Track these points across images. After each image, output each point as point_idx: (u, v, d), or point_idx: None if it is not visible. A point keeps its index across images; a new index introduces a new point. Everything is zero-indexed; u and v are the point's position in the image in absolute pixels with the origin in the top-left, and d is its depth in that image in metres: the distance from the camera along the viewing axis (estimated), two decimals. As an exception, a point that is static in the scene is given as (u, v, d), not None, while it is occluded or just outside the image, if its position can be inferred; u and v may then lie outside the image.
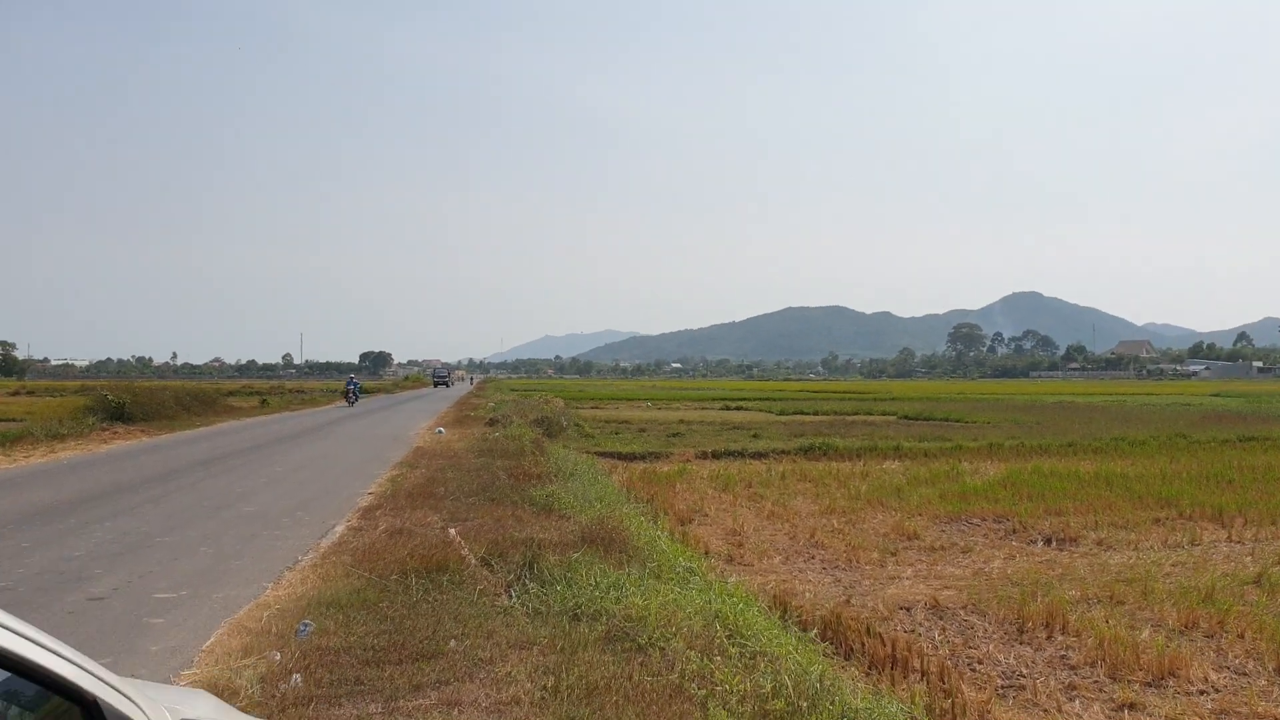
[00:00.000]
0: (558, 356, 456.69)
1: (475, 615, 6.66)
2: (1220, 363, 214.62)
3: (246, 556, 9.38)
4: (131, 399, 31.91)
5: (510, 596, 7.36)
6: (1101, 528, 15.31)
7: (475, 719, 4.97)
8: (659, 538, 10.47)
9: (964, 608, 10.55)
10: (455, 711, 5.04)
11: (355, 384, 59.85)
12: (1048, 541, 14.54)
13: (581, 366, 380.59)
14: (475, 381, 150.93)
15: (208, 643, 6.46)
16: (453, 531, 9.44)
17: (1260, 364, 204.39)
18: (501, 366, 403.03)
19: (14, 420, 30.42)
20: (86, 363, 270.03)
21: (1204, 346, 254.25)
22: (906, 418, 48.31)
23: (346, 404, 54.89)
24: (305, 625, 6.45)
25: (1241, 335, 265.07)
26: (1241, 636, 9.24)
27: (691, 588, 7.60)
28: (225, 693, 5.29)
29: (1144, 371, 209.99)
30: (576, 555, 8.22)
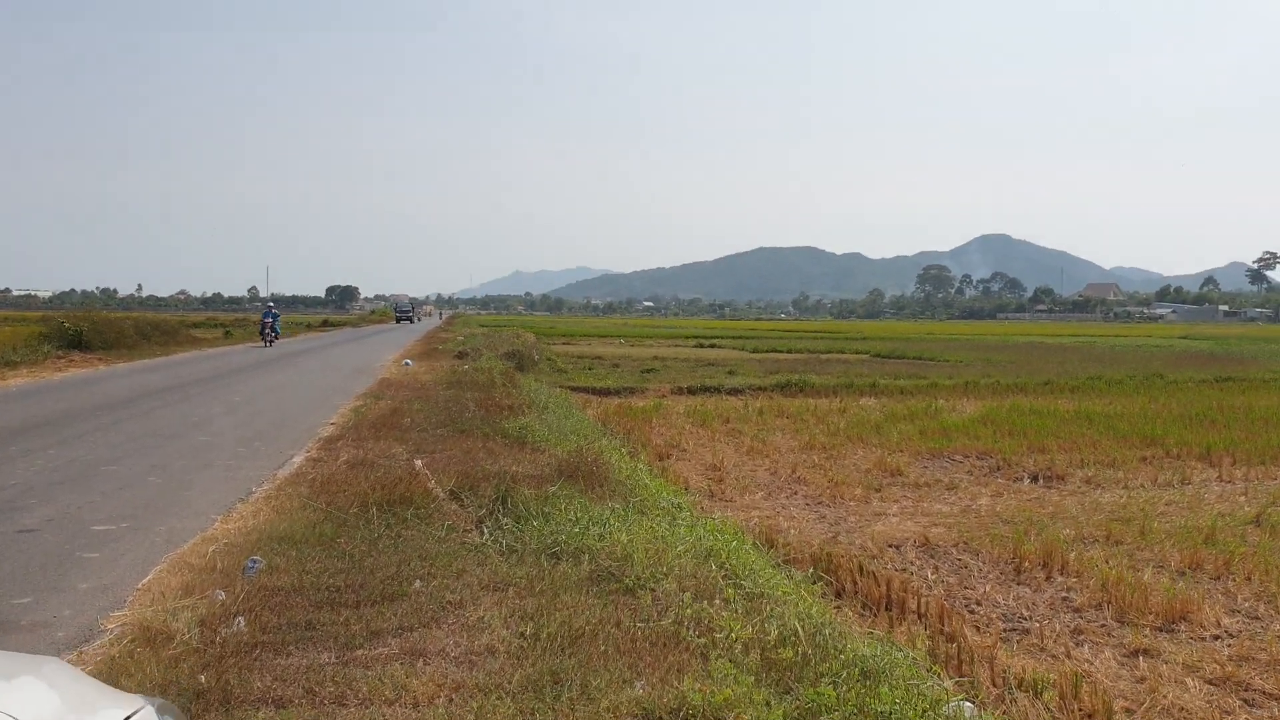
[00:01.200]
0: (528, 293, 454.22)
1: (443, 553, 6.03)
2: (1187, 306, 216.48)
3: (197, 487, 8.69)
4: (90, 327, 30.92)
5: (482, 533, 6.75)
6: (1088, 466, 14.96)
7: (443, 670, 4.37)
8: (640, 471, 9.89)
9: (956, 546, 10.11)
10: (420, 663, 4.44)
11: (274, 315, 42.34)
12: (1034, 479, 14.17)
13: (552, 303, 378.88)
14: (444, 317, 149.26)
15: (145, 580, 5.81)
16: (418, 463, 8.79)
17: (1226, 308, 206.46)
18: (471, 302, 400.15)
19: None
20: (49, 294, 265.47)
21: (1171, 290, 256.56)
22: (879, 356, 48.08)
23: (263, 344, 40.36)
24: (254, 562, 5.82)
25: (1208, 279, 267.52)
26: (1249, 579, 8.83)
27: (679, 524, 7.01)
28: (160, 637, 4.66)
29: (1111, 314, 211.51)
30: (554, 489, 7.61)
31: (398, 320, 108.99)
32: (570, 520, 6.77)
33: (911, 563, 9.49)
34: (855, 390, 27.29)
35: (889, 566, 9.24)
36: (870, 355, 48.64)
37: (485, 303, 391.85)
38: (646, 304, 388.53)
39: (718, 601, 5.01)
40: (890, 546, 10.16)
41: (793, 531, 10.77)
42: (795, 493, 13.32)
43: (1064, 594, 8.49)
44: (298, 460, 10.51)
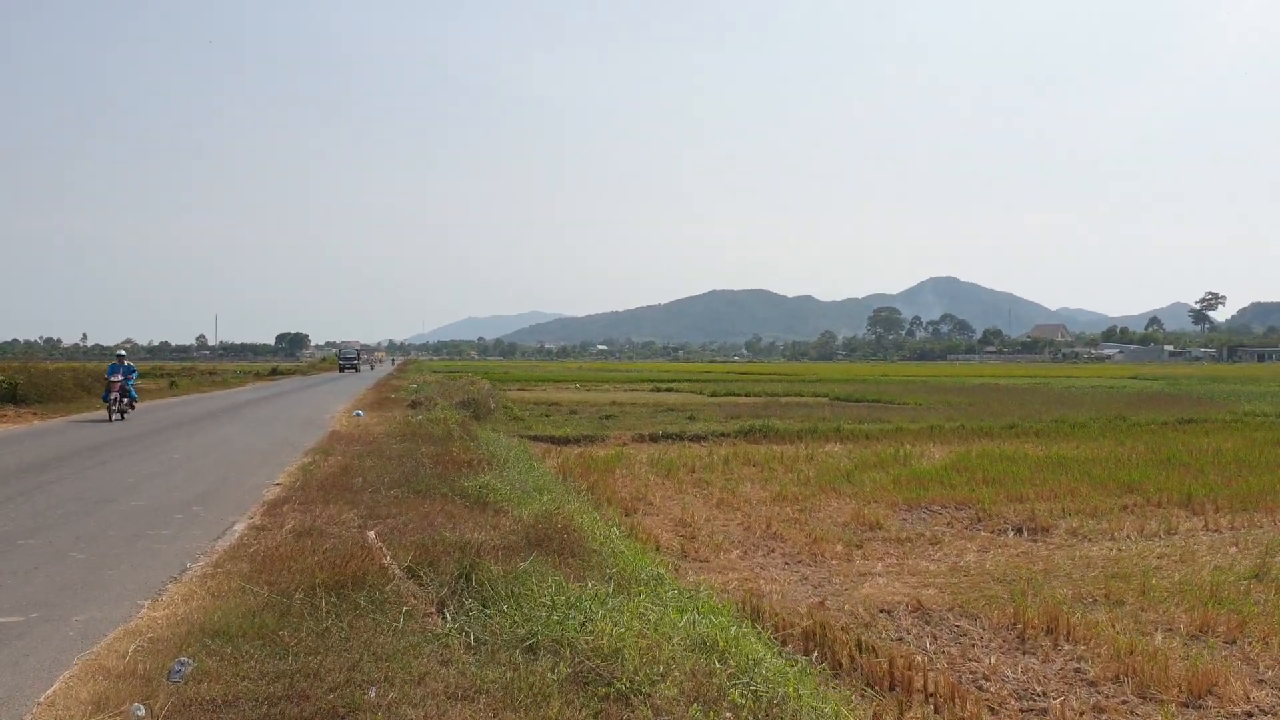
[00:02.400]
0: (481, 338, 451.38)
1: (401, 649, 5.22)
2: (1133, 346, 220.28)
3: (124, 564, 7.79)
4: (25, 379, 29.68)
5: (445, 619, 5.96)
6: (1070, 515, 14.52)
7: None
8: (614, 537, 9.16)
9: (951, 610, 9.50)
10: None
11: (127, 372, 26.49)
12: (1018, 531, 13.67)
13: (506, 348, 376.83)
14: (396, 363, 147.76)
15: (49, 691, 4.94)
16: (372, 534, 7.98)
17: (1170, 348, 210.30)
18: (423, 348, 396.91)
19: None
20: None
21: (1117, 330, 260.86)
22: (838, 399, 47.82)
23: (107, 417, 25.42)
24: (181, 664, 5.00)
25: (1153, 320, 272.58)
26: (1266, 643, 8.28)
27: (667, 604, 6.28)
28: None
29: (1059, 355, 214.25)
30: (525, 565, 6.83)
31: (341, 369, 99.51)
32: (545, 604, 6.01)
33: (907, 630, 8.86)
34: (820, 435, 26.87)
35: (884, 636, 8.59)
36: (829, 398, 48.36)
37: (438, 348, 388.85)
38: (601, 347, 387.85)
39: (727, 715, 4.29)
40: (882, 612, 9.54)
41: (776, 596, 10.11)
42: (772, 550, 12.71)
43: (1075, 664, 7.88)
44: (239, 528, 9.64)
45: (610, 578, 7.35)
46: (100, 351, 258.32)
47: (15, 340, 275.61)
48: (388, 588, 6.39)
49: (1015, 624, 8.84)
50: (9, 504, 10.76)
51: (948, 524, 14.31)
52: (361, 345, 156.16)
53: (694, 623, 5.78)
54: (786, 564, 11.96)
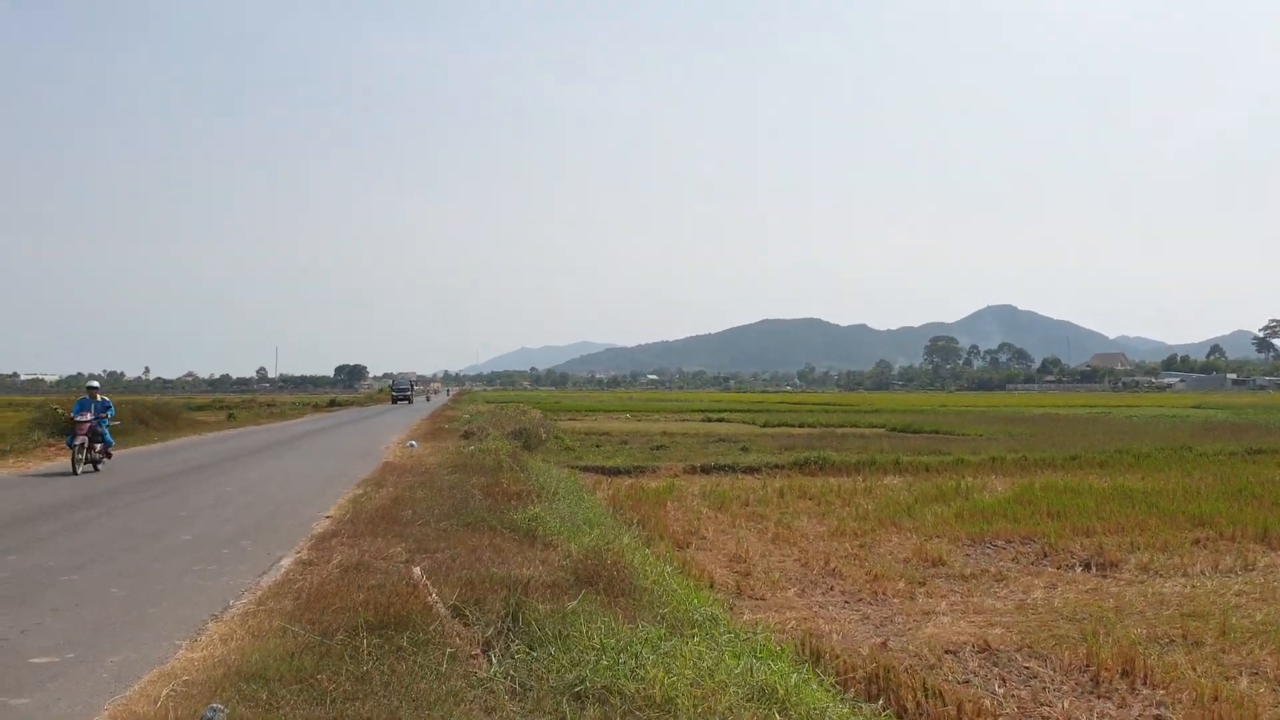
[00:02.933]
0: (533, 368, 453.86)
1: (443, 695, 4.97)
2: (1195, 375, 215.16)
3: (166, 600, 7.65)
4: (84, 413, 29.93)
5: (490, 661, 5.72)
6: (1140, 550, 13.95)
7: None
8: (666, 574, 8.86)
9: (1019, 650, 9.06)
10: None
11: (100, 409, 20.66)
12: (1086, 567, 13.13)
13: (557, 378, 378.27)
14: (452, 393, 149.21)
15: (78, 738, 4.77)
16: (417, 571, 7.78)
17: (1234, 376, 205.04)
18: (477, 379, 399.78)
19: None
20: (56, 377, 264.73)
21: (1177, 359, 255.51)
22: (895, 430, 47.04)
23: (71, 465, 19.24)
24: (213, 711, 4.80)
25: (1215, 348, 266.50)
26: (1363, 688, 7.75)
27: (722, 647, 5.97)
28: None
29: (1119, 384, 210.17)
30: (573, 604, 6.57)
31: (394, 400, 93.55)
32: (594, 647, 5.74)
33: (974, 672, 8.44)
34: (878, 468, 26.34)
35: (950, 678, 8.19)
36: (886, 429, 47.59)
37: (492, 379, 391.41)
38: (651, 377, 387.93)
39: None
40: (947, 653, 9.13)
41: (836, 637, 9.74)
42: (831, 588, 12.31)
43: (1155, 710, 7.43)
44: (286, 563, 9.50)
45: (662, 618, 7.06)
46: (162, 385, 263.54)
47: (80, 374, 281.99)
48: (432, 628, 6.16)
49: (1088, 665, 8.39)
50: (58, 538, 10.73)
51: (1013, 559, 13.83)
52: (418, 376, 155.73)
53: (751, 668, 5.47)
54: (846, 602, 11.57)
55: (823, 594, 11.98)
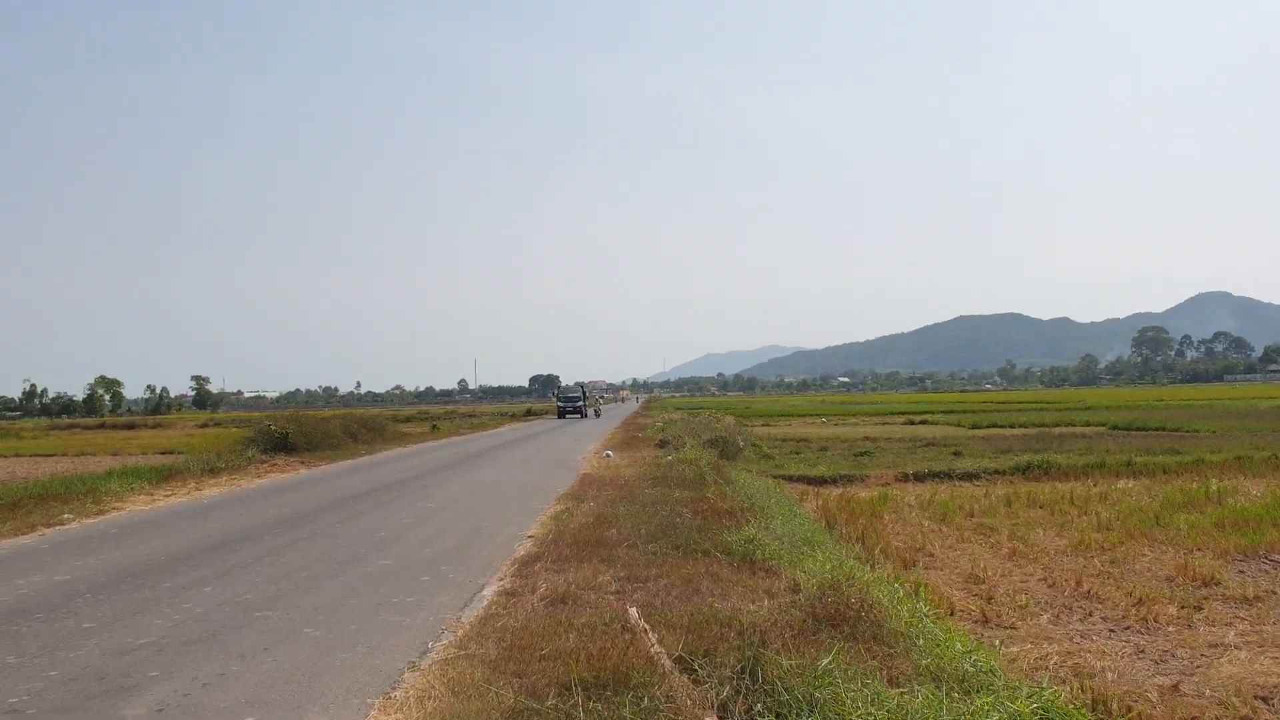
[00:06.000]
0: (720, 374, 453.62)
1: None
2: None
3: (360, 644, 6.92)
4: (296, 429, 30.91)
5: (731, 738, 4.65)
6: None
7: None
8: (921, 612, 7.58)
9: (1353, 696, 7.34)
10: None
11: None
12: (1401, 585, 11.02)
13: (745, 383, 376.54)
14: (641, 401, 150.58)
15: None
16: (634, 611, 6.78)
17: None
18: (665, 386, 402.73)
19: (176, 453, 29.87)
20: (276, 394, 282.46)
21: None
22: (1115, 428, 43.69)
23: None
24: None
25: None
26: None
27: (1009, 711, 4.70)
28: None
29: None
30: (825, 661, 5.41)
31: (561, 414, 72.02)
32: (858, 714, 4.59)
33: (1305, 729, 6.83)
34: (1108, 471, 24.14)
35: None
36: (1106, 427, 44.26)
37: (679, 385, 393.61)
38: (842, 379, 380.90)
39: None
40: (1259, 699, 7.52)
41: (1111, 675, 8.24)
42: (1089, 613, 10.72)
43: None
44: (488, 593, 8.73)
45: (924, 670, 5.84)
46: (371, 398, 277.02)
47: (298, 390, 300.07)
48: (657, 690, 5.13)
49: None
50: (257, 565, 10.35)
51: (1301, 577, 11.84)
52: (607, 385, 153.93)
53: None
54: (1112, 631, 10.00)
55: (1080, 621, 10.44)
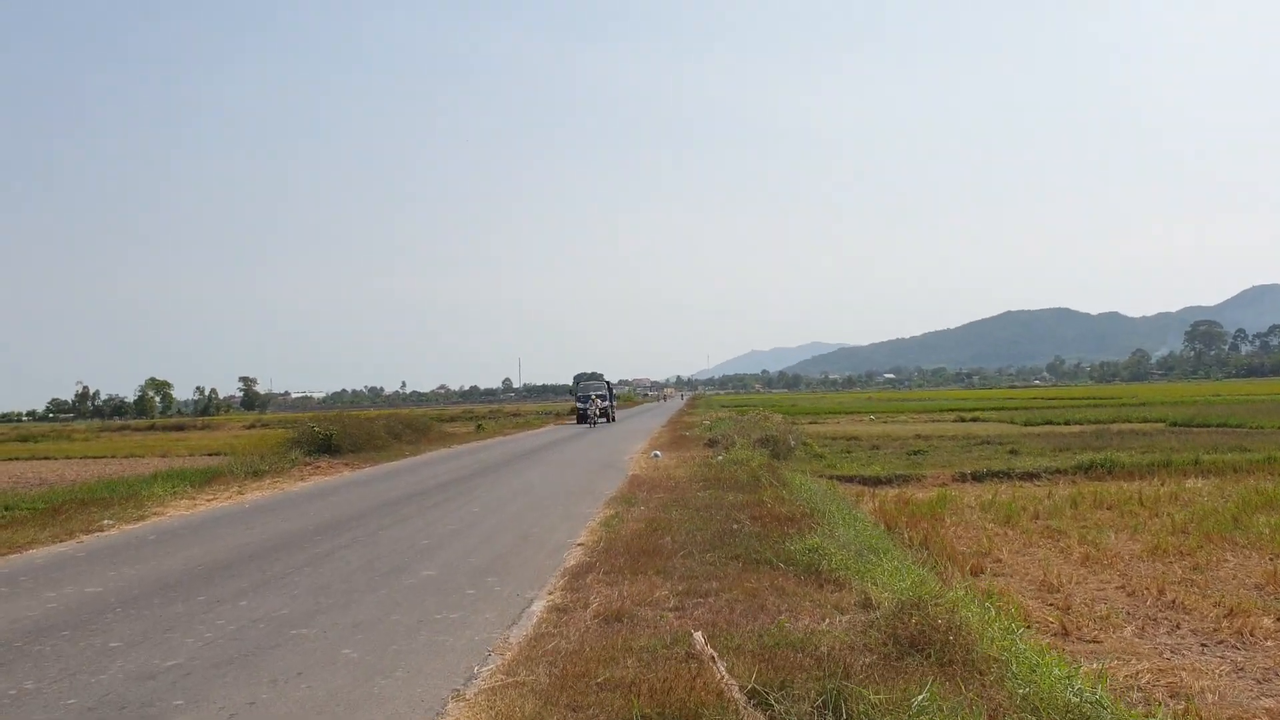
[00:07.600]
0: (765, 371, 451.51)
1: None
2: None
3: (401, 667, 6.39)
4: (340, 430, 30.66)
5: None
6: None
7: None
8: (1015, 632, 6.93)
9: None
10: None
11: None
12: None
13: (790, 380, 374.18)
14: (685, 398, 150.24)
15: None
16: (699, 635, 6.17)
17: None
18: (709, 383, 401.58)
19: (222, 455, 29.72)
20: (323, 394, 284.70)
21: None
22: (1176, 424, 42.40)
23: None
24: None
25: None
26: None
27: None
28: None
29: None
30: (920, 698, 4.80)
31: (580, 419, 56.64)
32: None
33: None
34: (1174, 469, 23.27)
35: None
36: (1166, 424, 42.99)
37: (723, 383, 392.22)
38: (888, 376, 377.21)
39: None
40: (1387, 723, 6.82)
41: (1212, 697, 7.55)
42: (1177, 625, 10.02)
43: None
44: (537, 608, 8.18)
45: (1025, 702, 5.21)
46: (417, 398, 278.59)
47: (344, 390, 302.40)
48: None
49: None
50: (296, 575, 9.88)
51: (1406, 585, 11.04)
52: (651, 382, 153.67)
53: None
54: (1204, 646, 9.31)
55: (1167, 634, 9.76)
